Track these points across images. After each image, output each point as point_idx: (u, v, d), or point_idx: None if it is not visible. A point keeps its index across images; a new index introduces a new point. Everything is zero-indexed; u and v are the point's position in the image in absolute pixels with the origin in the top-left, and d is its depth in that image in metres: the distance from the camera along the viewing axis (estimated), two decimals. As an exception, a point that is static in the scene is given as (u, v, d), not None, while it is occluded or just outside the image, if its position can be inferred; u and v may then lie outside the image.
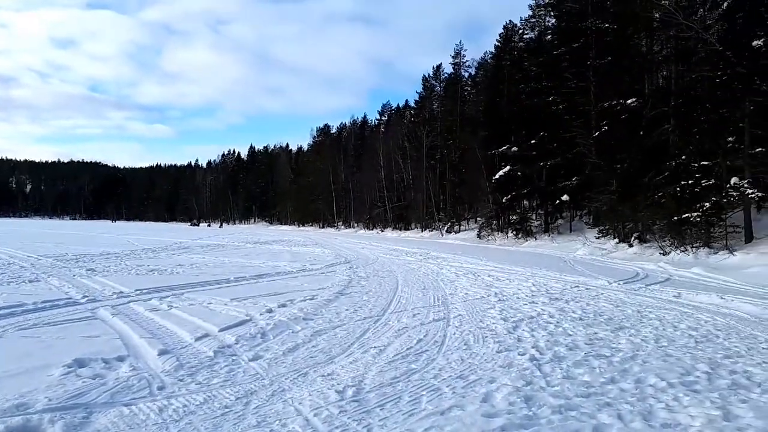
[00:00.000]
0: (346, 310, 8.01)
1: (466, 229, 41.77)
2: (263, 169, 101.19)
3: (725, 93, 17.14)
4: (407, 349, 5.64)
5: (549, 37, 33.12)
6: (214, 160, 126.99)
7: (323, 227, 71.32)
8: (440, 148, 46.54)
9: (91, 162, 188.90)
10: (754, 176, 16.51)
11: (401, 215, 52.04)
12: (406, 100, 67.17)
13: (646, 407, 3.90)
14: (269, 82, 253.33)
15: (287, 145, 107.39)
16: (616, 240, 21.60)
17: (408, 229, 49.96)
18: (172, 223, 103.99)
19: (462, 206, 44.13)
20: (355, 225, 63.52)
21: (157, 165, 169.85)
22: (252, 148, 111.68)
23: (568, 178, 28.10)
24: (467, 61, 47.49)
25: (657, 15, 20.84)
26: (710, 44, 18.04)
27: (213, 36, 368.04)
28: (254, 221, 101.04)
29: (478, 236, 34.78)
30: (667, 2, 19.88)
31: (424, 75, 52.69)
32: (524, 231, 30.69)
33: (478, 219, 38.49)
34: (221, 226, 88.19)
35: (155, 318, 7.07)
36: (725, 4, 19.43)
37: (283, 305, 8.16)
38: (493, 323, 7.08)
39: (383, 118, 68.51)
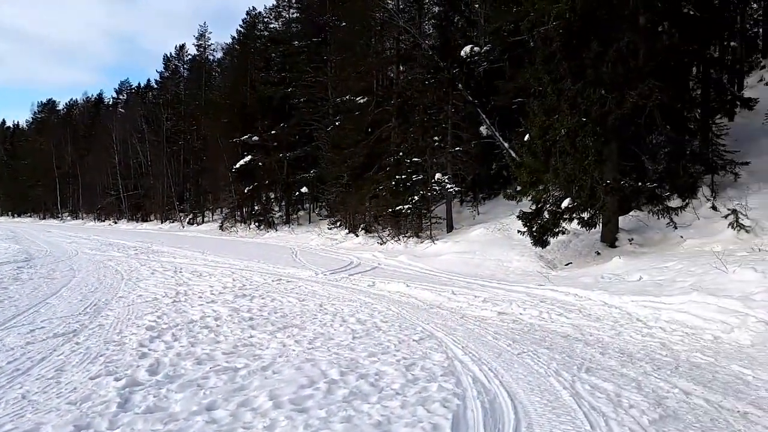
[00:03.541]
0: (-71, 330, 5.83)
1: (210, 221, 39.43)
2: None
3: (433, 95, 18.72)
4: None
5: (295, 29, 32.81)
6: None
7: (45, 218, 60.92)
8: (183, 133, 43.05)
9: None
10: (454, 173, 18.35)
11: (138, 205, 46.74)
12: (148, 80, 60.51)
13: (220, 444, 3.08)
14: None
15: (3, 122, 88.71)
16: (346, 231, 22.21)
17: (146, 221, 45.19)
18: None
19: (206, 197, 41.45)
20: (85, 216, 55.42)
21: None
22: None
23: (308, 171, 28.24)
24: (212, 44, 44.67)
25: (383, 16, 21.84)
26: (425, 49, 19.55)
27: None
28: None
29: (221, 228, 32.98)
30: (390, 4, 21.00)
31: (166, 54, 48.30)
32: (266, 222, 30.03)
33: (224, 210, 36.51)
34: None
35: None
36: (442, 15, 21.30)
37: None
38: (133, 334, 5.79)
39: (121, 97, 60.90)
